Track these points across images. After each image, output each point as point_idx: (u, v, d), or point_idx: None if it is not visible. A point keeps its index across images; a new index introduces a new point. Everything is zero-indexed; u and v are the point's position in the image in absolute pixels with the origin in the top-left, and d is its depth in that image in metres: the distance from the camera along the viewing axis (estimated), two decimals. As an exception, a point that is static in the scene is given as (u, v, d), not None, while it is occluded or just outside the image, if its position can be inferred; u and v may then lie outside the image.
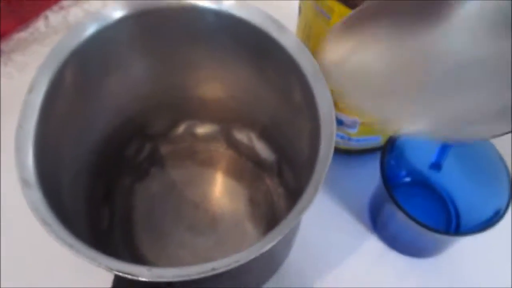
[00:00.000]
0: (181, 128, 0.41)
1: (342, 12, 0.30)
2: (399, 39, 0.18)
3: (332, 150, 0.26)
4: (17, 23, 0.45)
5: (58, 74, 0.29)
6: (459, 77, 0.18)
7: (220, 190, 0.40)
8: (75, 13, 0.47)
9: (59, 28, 0.47)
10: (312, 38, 0.34)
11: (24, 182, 0.25)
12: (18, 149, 0.26)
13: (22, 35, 0.46)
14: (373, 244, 0.40)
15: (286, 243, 0.34)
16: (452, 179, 0.39)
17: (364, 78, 0.19)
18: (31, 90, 0.28)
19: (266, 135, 0.40)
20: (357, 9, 0.19)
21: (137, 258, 0.37)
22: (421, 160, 0.39)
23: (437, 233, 0.33)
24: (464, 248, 0.38)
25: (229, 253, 0.37)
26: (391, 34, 0.18)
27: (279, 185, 0.40)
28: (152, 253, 0.37)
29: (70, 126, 0.31)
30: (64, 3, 0.47)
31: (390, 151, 0.36)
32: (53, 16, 0.47)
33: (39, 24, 0.47)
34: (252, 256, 0.24)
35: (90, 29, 0.30)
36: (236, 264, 0.23)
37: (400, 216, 0.34)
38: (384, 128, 0.19)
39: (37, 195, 0.25)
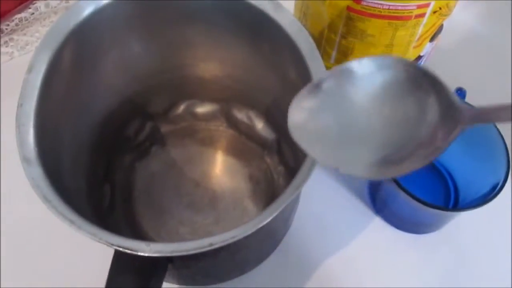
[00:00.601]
0: (181, 108, 0.41)
1: (338, -11, 0.30)
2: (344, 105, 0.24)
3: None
4: (17, 3, 0.45)
5: (56, 54, 0.29)
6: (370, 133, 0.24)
7: (220, 168, 0.41)
8: (74, -8, 0.47)
9: (59, 8, 0.47)
10: (309, 17, 0.34)
11: (25, 160, 0.26)
12: (18, 127, 0.27)
13: (22, 15, 0.46)
14: (372, 220, 0.40)
15: (285, 218, 0.34)
16: (450, 155, 0.39)
17: (318, 136, 0.25)
18: (30, 69, 0.28)
19: (265, 114, 0.40)
20: (313, 81, 0.25)
21: (138, 235, 0.38)
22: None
23: (436, 209, 0.34)
24: (463, 223, 0.39)
25: (228, 230, 0.38)
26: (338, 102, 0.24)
27: (279, 163, 0.40)
28: (153, 230, 0.38)
29: (69, 105, 0.32)
30: (64, -17, 0.47)
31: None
32: (53, -4, 0.47)
33: (39, 4, 0.47)
34: (249, 232, 0.24)
35: (88, 9, 0.30)
36: (233, 240, 0.24)
37: (399, 192, 0.34)
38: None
39: (37, 172, 0.26)
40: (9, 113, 0.42)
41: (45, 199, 0.25)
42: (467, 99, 0.38)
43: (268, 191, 0.40)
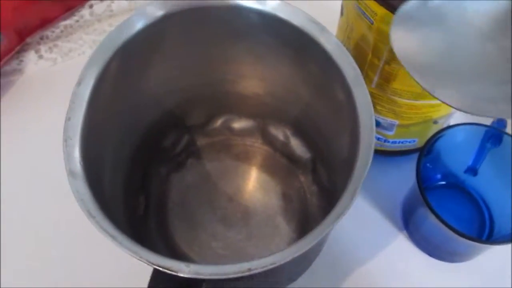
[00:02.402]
0: (218, 122, 0.42)
1: (384, 17, 0.30)
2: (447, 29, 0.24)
3: (370, 160, 0.26)
4: (63, 10, 0.47)
5: (105, 68, 0.30)
6: (478, 63, 0.24)
7: (253, 184, 0.41)
8: (119, 2, 0.48)
9: (103, 16, 0.48)
10: (353, 40, 0.34)
11: (71, 173, 0.26)
12: (65, 141, 0.27)
13: (67, 22, 0.47)
14: (404, 245, 0.40)
15: (320, 243, 0.34)
16: (487, 184, 0.39)
17: (424, 60, 0.25)
18: (80, 82, 0.29)
19: (301, 132, 0.40)
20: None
21: (171, 247, 0.38)
22: (457, 163, 0.39)
23: (468, 239, 0.33)
24: (496, 256, 0.38)
25: (260, 247, 0.38)
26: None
27: (313, 183, 0.40)
28: (185, 243, 0.38)
29: (114, 117, 0.32)
30: (109, -8, 0.48)
31: (427, 153, 0.36)
32: (98, 5, 0.48)
33: (84, 12, 0.48)
34: (288, 259, 0.24)
35: (137, 26, 0.31)
36: (272, 266, 0.24)
37: (432, 219, 0.34)
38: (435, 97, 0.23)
39: (82, 185, 0.26)
40: (52, 117, 0.43)
41: (89, 214, 0.25)
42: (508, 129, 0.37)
43: (300, 210, 0.40)
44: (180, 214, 0.40)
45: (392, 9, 0.29)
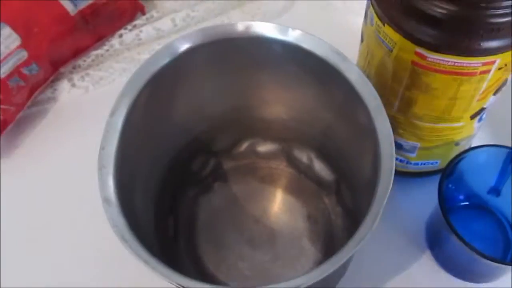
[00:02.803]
0: (244, 146, 0.43)
1: (403, 45, 0.31)
2: None
3: (390, 185, 0.27)
4: (94, 40, 0.49)
5: (135, 99, 0.31)
6: None
7: (279, 206, 0.42)
8: (147, 31, 0.50)
9: (132, 45, 0.50)
10: (374, 67, 0.35)
11: (106, 200, 0.28)
12: (100, 170, 0.29)
13: (98, 51, 0.49)
14: (429, 266, 0.40)
15: (344, 264, 0.35)
16: (510, 204, 0.39)
17: None
18: (113, 113, 0.31)
19: (325, 155, 0.41)
20: None
21: (199, 267, 0.39)
22: (479, 184, 0.39)
23: (492, 261, 0.34)
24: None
25: (286, 268, 0.39)
26: None
27: (337, 204, 0.41)
28: (213, 264, 0.40)
29: (145, 145, 0.34)
30: (137, 22, 0.50)
31: (449, 175, 0.36)
32: (127, 34, 0.50)
33: (114, 42, 0.50)
34: (312, 282, 0.25)
35: (165, 59, 0.32)
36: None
37: (456, 240, 0.34)
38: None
39: (116, 213, 0.28)
40: (84, 144, 0.45)
41: (123, 239, 0.26)
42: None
43: (325, 231, 0.41)
44: (208, 235, 0.41)
45: (409, 36, 0.30)
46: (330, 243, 0.40)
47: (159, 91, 0.33)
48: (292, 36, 0.32)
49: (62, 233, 0.42)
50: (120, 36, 0.50)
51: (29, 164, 0.45)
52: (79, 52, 0.48)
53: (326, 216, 0.41)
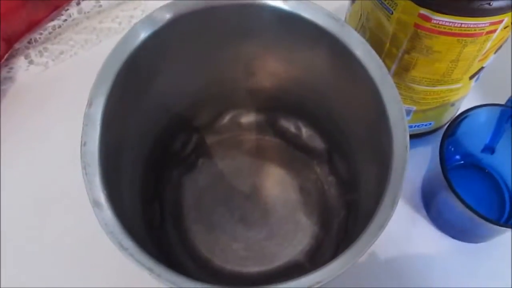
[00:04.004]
0: (226, 118, 0.40)
1: (406, 7, 0.28)
2: None
3: (406, 164, 0.25)
4: (49, 11, 0.44)
5: (113, 84, 0.28)
6: None
7: (269, 180, 0.40)
8: (107, -4, 0.46)
9: (92, 14, 0.46)
10: (369, 30, 0.32)
11: (96, 204, 0.25)
12: (85, 168, 0.26)
13: (55, 23, 0.45)
14: (426, 228, 0.40)
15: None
16: (505, 163, 0.39)
17: None
18: (90, 103, 0.27)
19: (315, 123, 0.39)
20: None
21: (192, 252, 0.37)
22: (475, 143, 0.39)
23: (494, 224, 0.33)
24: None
25: (283, 244, 0.38)
26: None
27: (329, 174, 0.39)
28: (206, 247, 0.37)
29: (126, 133, 0.31)
30: (96, -13, 0.46)
31: (450, 135, 0.35)
32: (86, 2, 0.45)
33: (72, 11, 0.45)
34: (331, 278, 0.23)
35: (142, 35, 0.29)
36: (318, 285, 0.23)
37: (455, 202, 0.33)
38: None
39: (110, 217, 0.25)
40: (49, 125, 0.41)
41: (122, 248, 0.24)
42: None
43: (319, 202, 0.39)
44: (197, 218, 0.39)
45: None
46: (325, 214, 0.39)
47: (138, 71, 0.30)
48: (283, 1, 0.29)
49: (26, 210, 0.39)
50: (78, 3, 0.45)
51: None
52: (34, 24, 0.43)
53: (319, 186, 0.40)
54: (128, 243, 0.24)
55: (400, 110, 0.26)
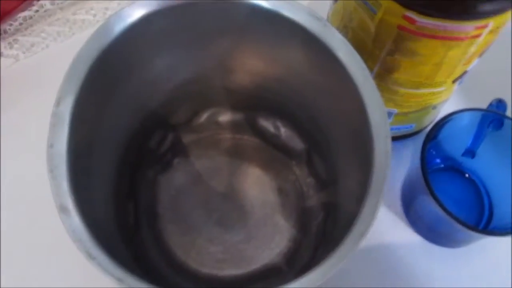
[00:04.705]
0: (203, 117, 0.39)
1: (390, 8, 0.28)
2: None
3: (388, 171, 0.24)
4: (20, 1, 0.42)
5: (84, 82, 0.27)
6: None
7: (247, 180, 0.39)
8: (81, -14, 0.44)
9: (65, 5, 0.44)
10: (351, 30, 0.32)
11: (62, 209, 0.24)
12: (52, 171, 0.24)
13: (26, 13, 0.43)
14: (404, 231, 0.39)
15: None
16: (487, 168, 0.38)
17: None
18: (58, 102, 0.26)
19: (294, 123, 0.38)
20: None
21: (167, 255, 0.36)
22: (456, 147, 0.38)
23: (471, 230, 0.33)
24: (499, 240, 0.38)
25: (260, 247, 0.37)
26: None
27: (308, 175, 0.39)
28: (182, 250, 0.36)
29: (98, 133, 0.30)
30: (69, -24, 0.44)
31: (432, 138, 0.34)
32: (58, -8, 0.44)
33: (44, 2, 0.43)
34: (317, 284, 0.23)
35: (115, 30, 0.28)
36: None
37: (435, 207, 0.33)
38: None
39: (77, 223, 0.24)
40: (15, 117, 0.40)
41: (90, 256, 0.23)
42: (508, 112, 0.36)
43: (297, 204, 0.38)
44: (173, 219, 0.37)
45: (400, 0, 0.27)
46: (303, 217, 0.38)
47: (111, 68, 0.29)
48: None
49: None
50: (51, -7, 0.43)
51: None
52: (3, 15, 0.41)
53: (298, 188, 0.39)
54: (97, 252, 0.23)
55: (383, 115, 0.25)
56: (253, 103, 0.38)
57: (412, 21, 0.27)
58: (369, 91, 0.26)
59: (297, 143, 0.39)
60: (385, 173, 0.24)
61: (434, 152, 0.37)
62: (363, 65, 0.26)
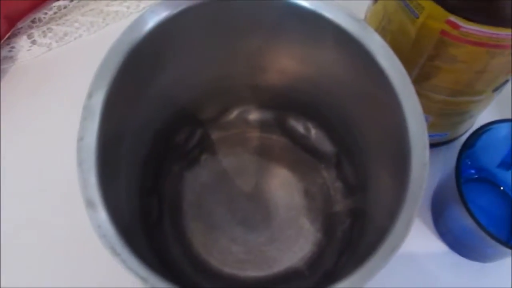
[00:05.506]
0: (233, 114, 0.39)
1: (433, 12, 0.27)
2: None
3: (424, 184, 0.23)
4: (55, -10, 0.42)
5: (117, 75, 0.26)
6: None
7: (273, 181, 0.38)
8: (116, -22, 0.44)
9: (100, -5, 0.44)
10: (390, 33, 0.31)
11: (90, 204, 0.23)
12: (80, 165, 0.24)
13: (61, 3, 0.43)
14: (432, 242, 0.38)
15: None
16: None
17: None
18: (91, 95, 0.25)
19: (325, 125, 0.37)
20: None
21: (189, 252, 0.36)
22: (491, 158, 0.37)
23: (504, 246, 0.32)
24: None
25: (283, 250, 0.36)
26: None
27: (337, 179, 0.38)
28: (204, 248, 0.36)
29: (127, 126, 0.29)
30: (105, -33, 0.44)
31: (469, 147, 0.33)
32: (94, -18, 0.43)
33: (79, -9, 0.43)
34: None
35: (149, 24, 0.27)
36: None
37: (467, 219, 0.32)
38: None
39: (104, 218, 0.23)
40: (48, 109, 0.40)
41: (114, 252, 0.22)
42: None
43: (324, 208, 0.38)
44: (196, 215, 0.37)
45: (444, 4, 0.26)
46: (329, 221, 0.37)
47: (143, 62, 0.28)
48: (303, -2, 0.27)
49: (23, 208, 0.38)
50: (86, -16, 0.43)
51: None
52: (39, 3, 0.41)
53: (325, 191, 0.38)
54: (122, 248, 0.23)
55: (422, 124, 0.24)
56: (284, 102, 0.37)
57: (455, 27, 0.26)
58: (409, 98, 0.25)
59: (327, 146, 0.38)
60: (421, 187, 0.23)
61: (469, 162, 0.36)
62: (404, 71, 0.25)
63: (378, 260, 0.22)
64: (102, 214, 0.23)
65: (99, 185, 0.24)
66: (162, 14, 0.27)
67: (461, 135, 0.38)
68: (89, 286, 0.35)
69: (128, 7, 0.43)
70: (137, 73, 0.28)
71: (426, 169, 0.24)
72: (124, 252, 0.23)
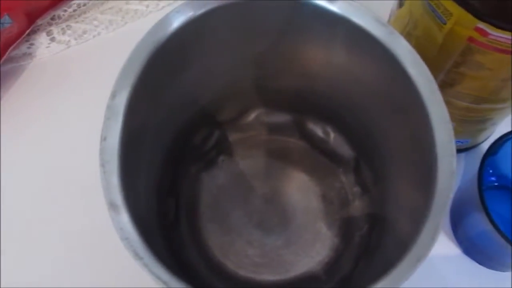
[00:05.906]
0: (251, 116, 0.38)
1: (461, 18, 0.26)
2: None
3: (451, 193, 0.23)
4: (75, -13, 0.42)
5: (140, 76, 0.26)
6: None
7: (291, 184, 0.38)
8: (135, -23, 0.44)
9: (119, -7, 0.43)
10: (415, 38, 0.30)
11: (112, 206, 0.23)
12: (103, 166, 0.24)
13: (80, 0, 0.43)
14: (449, 249, 0.38)
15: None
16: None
17: None
18: (114, 95, 0.25)
19: (344, 129, 0.37)
20: None
21: (204, 254, 0.36)
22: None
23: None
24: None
25: (300, 254, 0.36)
26: None
27: (355, 184, 0.37)
28: (220, 250, 0.36)
29: (148, 127, 0.29)
30: (125, -34, 0.44)
31: (492, 154, 0.33)
32: (113, -20, 0.43)
33: (99, -11, 0.43)
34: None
35: (174, 25, 0.27)
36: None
37: (487, 226, 0.31)
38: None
39: (126, 221, 0.23)
40: (66, 106, 0.40)
41: (137, 256, 0.22)
42: None
43: (342, 213, 0.37)
44: (213, 217, 0.37)
45: (472, 9, 0.25)
46: (347, 226, 0.37)
47: (166, 63, 0.28)
48: (329, 1, 0.27)
49: (29, 206, 0.38)
50: (105, -18, 0.43)
51: (4, 128, 0.40)
52: (58, 1, 0.41)
53: (343, 196, 0.38)
54: (144, 251, 0.22)
55: (449, 132, 0.24)
56: (303, 106, 0.37)
57: (484, 34, 0.26)
58: (436, 105, 0.25)
59: (346, 150, 0.38)
60: (448, 196, 0.23)
61: (491, 170, 0.35)
62: (431, 77, 0.25)
63: (403, 271, 0.22)
64: (124, 217, 0.23)
65: (121, 186, 0.24)
66: (187, 14, 0.27)
67: (481, 142, 0.38)
68: (89, 286, 0.35)
69: (147, 6, 0.43)
70: (161, 73, 0.28)
71: (453, 178, 0.23)
72: (147, 256, 0.22)
